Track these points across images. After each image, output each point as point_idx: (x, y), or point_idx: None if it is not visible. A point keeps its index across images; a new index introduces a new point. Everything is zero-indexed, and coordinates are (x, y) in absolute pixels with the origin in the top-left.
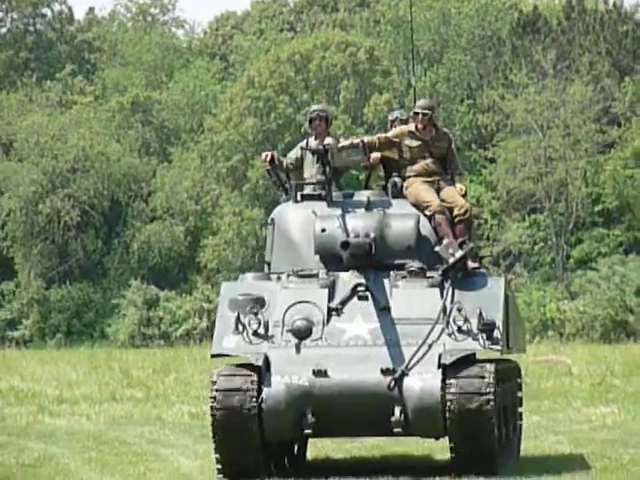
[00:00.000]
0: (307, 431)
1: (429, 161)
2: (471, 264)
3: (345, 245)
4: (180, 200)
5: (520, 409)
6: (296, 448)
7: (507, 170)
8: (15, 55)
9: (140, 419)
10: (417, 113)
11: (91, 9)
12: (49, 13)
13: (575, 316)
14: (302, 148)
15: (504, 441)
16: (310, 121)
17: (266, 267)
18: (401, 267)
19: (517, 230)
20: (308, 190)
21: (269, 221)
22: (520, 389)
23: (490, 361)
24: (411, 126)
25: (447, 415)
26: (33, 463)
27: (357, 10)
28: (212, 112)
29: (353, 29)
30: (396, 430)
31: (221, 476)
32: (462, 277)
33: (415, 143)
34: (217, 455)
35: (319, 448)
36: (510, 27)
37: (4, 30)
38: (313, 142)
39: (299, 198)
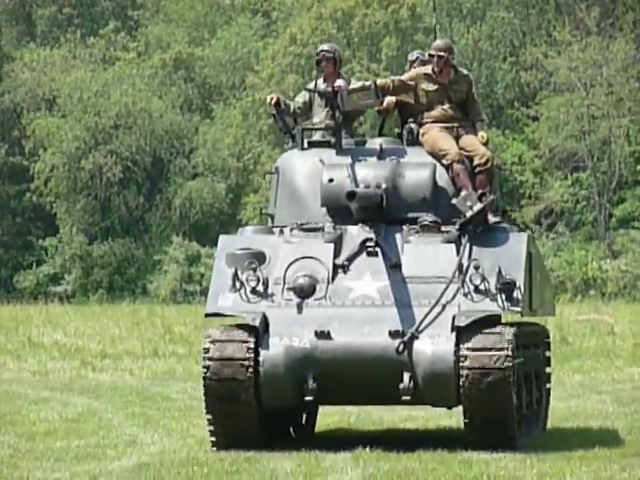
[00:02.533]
0: (308, 398)
1: (447, 106)
2: (492, 218)
3: (351, 196)
4: (222, 157)
5: (548, 369)
6: (304, 417)
7: (550, 128)
8: (58, 11)
9: (182, 375)
10: (432, 55)
11: None
12: None
13: (617, 275)
14: (310, 91)
15: (528, 409)
16: (317, 62)
17: (269, 220)
18: (415, 221)
19: (559, 189)
20: (316, 137)
21: (273, 169)
22: (548, 349)
23: (510, 324)
24: (427, 68)
25: (461, 388)
26: (76, 418)
27: None
28: (254, 69)
29: None
30: (404, 398)
31: (215, 449)
32: (481, 232)
33: (432, 87)
34: (210, 427)
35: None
36: None
37: None
38: (322, 85)
39: (306, 145)
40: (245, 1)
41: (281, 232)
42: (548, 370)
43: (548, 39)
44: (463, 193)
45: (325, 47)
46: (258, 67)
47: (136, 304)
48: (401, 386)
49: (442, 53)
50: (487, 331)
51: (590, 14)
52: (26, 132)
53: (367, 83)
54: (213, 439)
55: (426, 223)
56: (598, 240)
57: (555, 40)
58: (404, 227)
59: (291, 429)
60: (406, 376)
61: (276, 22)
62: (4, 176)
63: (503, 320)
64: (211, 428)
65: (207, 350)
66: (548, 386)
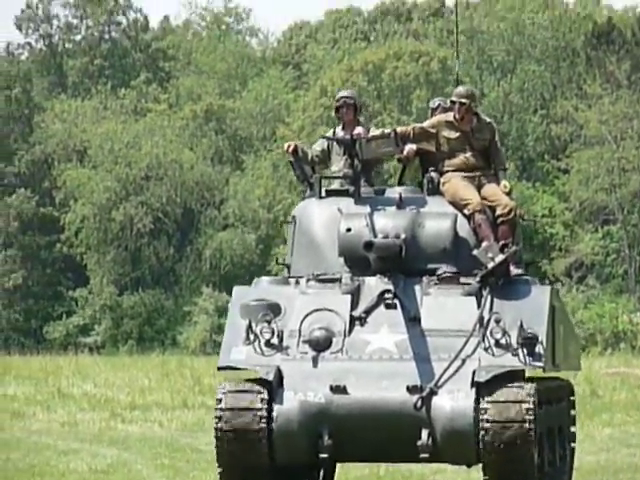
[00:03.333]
0: (323, 455)
1: (469, 154)
2: (514, 270)
3: (368, 246)
4: (252, 208)
5: (573, 429)
6: (322, 473)
7: (580, 181)
8: (90, 63)
9: (212, 426)
10: (454, 102)
11: (166, 17)
12: (124, 21)
13: None
14: (328, 139)
15: (550, 467)
16: (337, 109)
17: (285, 271)
18: (434, 272)
19: (590, 241)
20: (335, 185)
21: (290, 219)
22: (573, 408)
23: (532, 380)
24: (449, 115)
25: (480, 442)
26: (106, 469)
27: (431, 20)
28: (285, 121)
29: (426, 39)
30: (423, 456)
31: None
32: (502, 285)
33: (454, 134)
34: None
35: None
36: (584, 38)
37: (79, 37)
38: (340, 132)
39: (323, 194)
40: (276, 54)
41: (297, 283)
42: (573, 429)
43: (579, 92)
44: (485, 244)
45: (345, 93)
46: (289, 119)
47: (165, 355)
48: (419, 443)
49: (464, 100)
50: (508, 387)
51: (620, 67)
52: (57, 183)
53: (387, 131)
54: None
55: (446, 275)
56: (628, 293)
57: (586, 93)
58: (424, 279)
59: None
60: (424, 433)
61: (307, 74)
62: (35, 227)
63: (526, 375)
64: None
65: (220, 400)
66: (573, 445)
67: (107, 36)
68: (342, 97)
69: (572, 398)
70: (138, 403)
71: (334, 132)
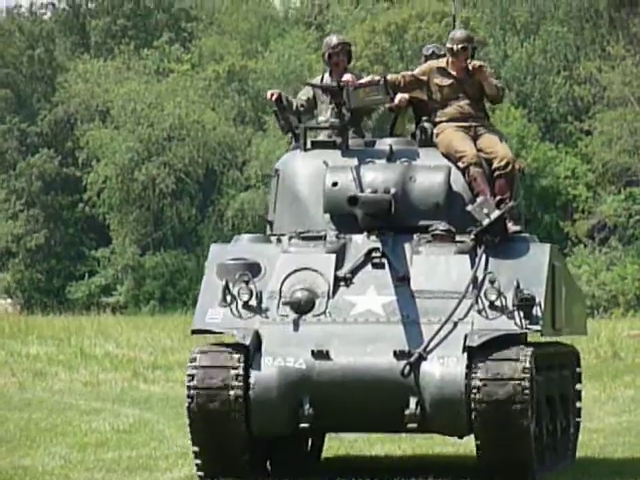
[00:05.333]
0: (303, 425)
1: (464, 102)
2: (512, 227)
3: (353, 201)
4: (274, 169)
5: (579, 404)
6: (309, 443)
7: (603, 143)
8: (113, 23)
9: None
10: (451, 48)
11: None
12: None
13: None
14: (313, 86)
15: (550, 438)
16: (329, 56)
17: (268, 228)
18: (426, 230)
19: (612, 203)
20: (322, 137)
21: (273, 172)
22: (579, 381)
23: (529, 344)
24: (441, 61)
25: (472, 403)
26: (128, 429)
27: None
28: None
29: None
30: (410, 426)
31: (202, 474)
32: (499, 243)
33: (446, 81)
34: (195, 448)
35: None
36: None
37: None
38: (328, 79)
39: (309, 145)
40: (299, 14)
41: (279, 241)
42: (578, 405)
43: (602, 53)
44: (480, 199)
45: (342, 39)
46: (311, 79)
47: (188, 315)
48: (407, 412)
49: (464, 44)
50: (502, 352)
51: None
52: (79, 143)
53: (376, 78)
54: (200, 474)
55: (438, 232)
56: None
57: (609, 54)
58: (414, 236)
59: (291, 457)
60: (412, 401)
61: (329, 35)
62: (57, 187)
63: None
64: (197, 461)
65: (191, 377)
66: (577, 420)
67: None
68: (340, 43)
69: (578, 369)
70: (160, 363)
71: (322, 79)
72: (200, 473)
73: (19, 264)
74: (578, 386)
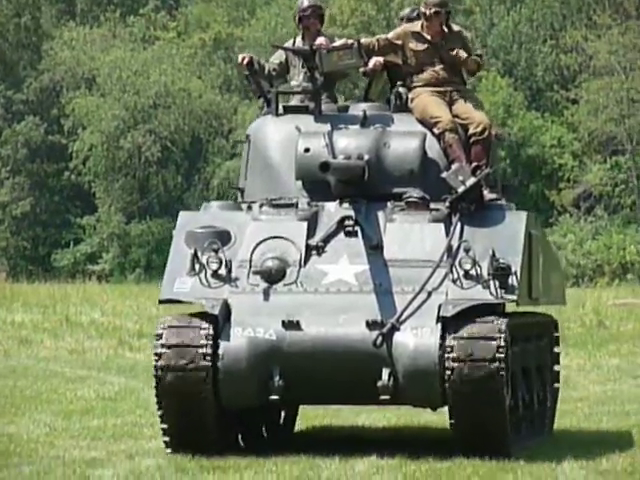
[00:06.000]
0: (273, 397)
1: (439, 67)
2: (488, 195)
3: (325, 167)
4: None
5: (557, 367)
6: (282, 415)
7: (589, 111)
8: None
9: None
10: (425, 12)
11: None
12: None
13: None
14: (284, 49)
15: (527, 410)
16: (300, 19)
17: (239, 195)
18: (400, 197)
19: (598, 172)
20: (294, 102)
21: (244, 138)
22: (556, 344)
23: (505, 314)
24: (416, 25)
25: (446, 383)
26: (113, 397)
27: None
28: None
29: None
30: (383, 397)
31: (170, 450)
32: (474, 211)
33: (421, 46)
34: (163, 425)
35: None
36: None
37: None
38: (300, 43)
39: (281, 110)
40: None
41: (249, 208)
42: (557, 368)
43: (588, 22)
44: (455, 166)
45: (313, 2)
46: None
47: None
48: (379, 384)
49: (438, 8)
50: (476, 321)
51: None
52: (65, 111)
53: (349, 41)
54: (166, 439)
55: (413, 200)
56: (637, 224)
57: (595, 23)
58: (388, 204)
59: (263, 429)
60: (385, 372)
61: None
62: (43, 155)
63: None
64: (164, 426)
65: (160, 336)
66: (556, 385)
67: None
68: (310, 6)
69: (556, 334)
70: (146, 331)
71: (294, 43)
72: (168, 450)
73: (5, 231)
74: (556, 349)
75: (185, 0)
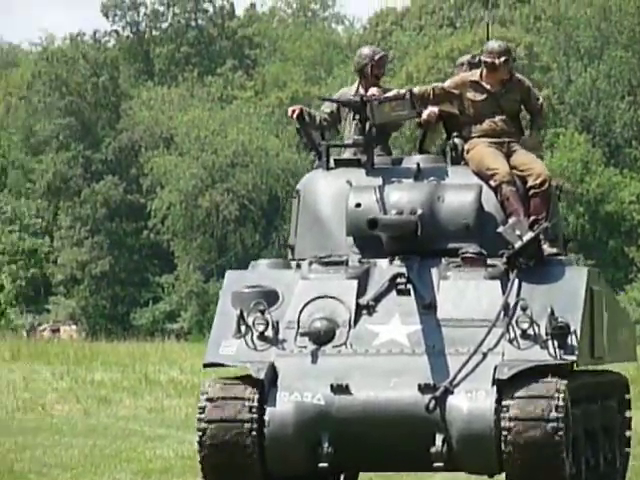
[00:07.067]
0: (322, 464)
1: (498, 118)
2: (547, 249)
3: (372, 224)
4: None
5: (628, 433)
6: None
7: None
8: (177, 50)
9: None
10: (492, 62)
11: (252, 5)
12: (210, 9)
13: None
14: (330, 100)
15: (591, 473)
16: (362, 68)
17: (290, 253)
18: (455, 253)
19: None
20: (346, 155)
21: (294, 193)
22: (627, 407)
23: (563, 375)
24: (475, 74)
25: (502, 445)
26: (192, 455)
27: (517, 6)
28: None
29: (513, 25)
30: (437, 464)
31: None
32: (533, 267)
33: (480, 96)
34: None
35: None
36: None
37: (165, 25)
38: (362, 92)
39: (332, 164)
40: (362, 40)
41: (298, 267)
42: (628, 433)
43: None
44: (512, 220)
45: (380, 50)
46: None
47: None
48: (432, 450)
49: (503, 57)
50: (534, 386)
51: None
52: (144, 170)
53: (402, 91)
54: None
55: (468, 255)
56: None
57: None
58: (442, 260)
59: None
60: (438, 438)
61: (392, 61)
62: (122, 214)
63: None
64: None
65: (202, 410)
66: (627, 450)
67: (193, 23)
68: (381, 53)
69: (626, 396)
70: None
71: (357, 91)
72: None
73: (84, 291)
74: (627, 413)
75: (262, 59)
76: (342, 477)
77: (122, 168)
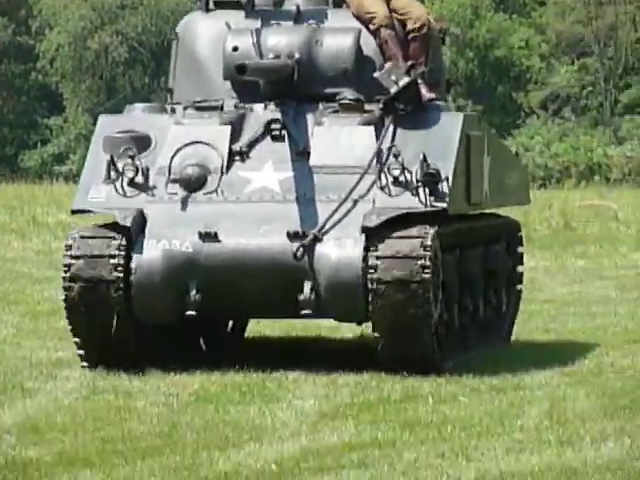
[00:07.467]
0: (189, 312)
1: None
2: (426, 94)
3: (241, 69)
4: None
5: (520, 268)
6: (230, 325)
7: (557, 13)
8: None
9: None
10: None
11: None
12: None
13: (622, 161)
14: None
15: (482, 317)
16: None
17: (169, 97)
18: (333, 98)
19: (565, 74)
20: None
21: (173, 35)
22: (520, 244)
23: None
24: None
25: (369, 290)
26: None
27: None
28: None
29: None
30: (305, 312)
31: (86, 364)
32: (410, 113)
33: None
34: (75, 339)
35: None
36: None
37: None
38: None
39: (212, 5)
40: None
41: (173, 111)
42: (520, 269)
43: None
44: (388, 65)
45: None
46: None
47: None
48: (301, 297)
49: None
50: (402, 230)
51: None
52: (33, 11)
53: None
54: (85, 364)
55: (346, 101)
56: (603, 126)
57: None
58: (319, 105)
59: (201, 340)
60: (306, 286)
61: None
62: (10, 55)
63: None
64: (80, 352)
65: (69, 247)
66: (518, 287)
67: None
68: None
69: (519, 234)
70: None
71: None
72: (84, 363)
73: None
74: (520, 249)
75: None
76: (230, 324)
77: (11, 9)
